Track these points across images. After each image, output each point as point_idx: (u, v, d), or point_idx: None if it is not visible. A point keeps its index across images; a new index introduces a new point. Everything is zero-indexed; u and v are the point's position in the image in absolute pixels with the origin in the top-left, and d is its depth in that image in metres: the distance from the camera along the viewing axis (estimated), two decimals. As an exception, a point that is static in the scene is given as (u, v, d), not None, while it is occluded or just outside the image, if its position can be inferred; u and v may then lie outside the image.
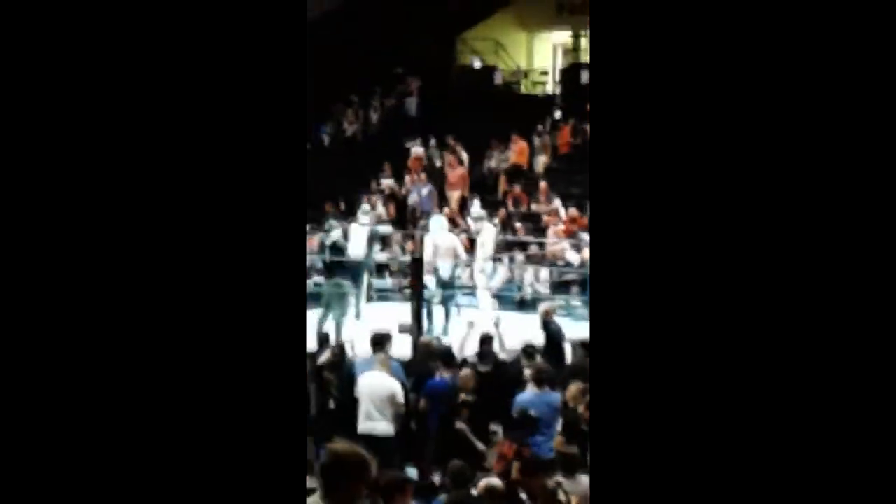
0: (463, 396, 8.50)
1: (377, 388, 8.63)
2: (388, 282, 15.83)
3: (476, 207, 15.50)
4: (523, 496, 6.18)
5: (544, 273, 15.16)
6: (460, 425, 8.16)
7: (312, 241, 13.37)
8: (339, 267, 12.36)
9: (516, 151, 19.11)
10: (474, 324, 10.40)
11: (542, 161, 19.16)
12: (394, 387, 8.65)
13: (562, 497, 5.88)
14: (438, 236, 13.07)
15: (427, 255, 12.73)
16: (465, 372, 8.87)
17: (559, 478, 6.52)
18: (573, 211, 16.41)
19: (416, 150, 18.97)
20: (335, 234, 12.72)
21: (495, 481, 6.04)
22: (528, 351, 9.70)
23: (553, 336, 10.40)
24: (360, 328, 11.66)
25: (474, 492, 6.05)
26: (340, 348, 9.84)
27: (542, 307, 11.09)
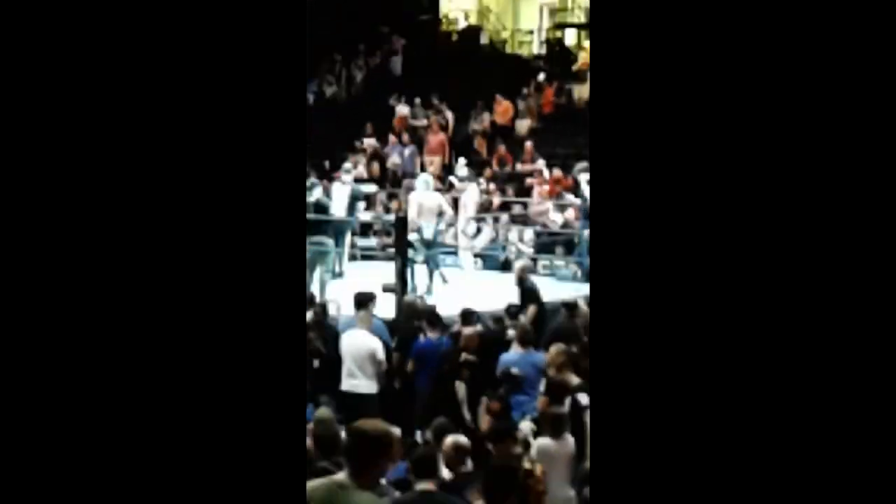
0: (465, 356, 8.47)
1: (359, 346, 8.63)
2: (371, 241, 15.79)
3: (461, 167, 15.44)
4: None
5: (529, 233, 15.16)
6: (460, 387, 8.15)
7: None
8: (321, 226, 12.28)
9: (500, 112, 19.03)
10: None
11: (525, 124, 19.09)
12: (374, 344, 8.65)
13: (526, 464, 5.88)
14: (423, 195, 13.02)
15: (412, 214, 12.68)
16: (469, 331, 8.84)
17: (530, 437, 6.56)
18: (557, 172, 16.37)
19: (401, 108, 18.88)
20: (317, 193, 12.65)
21: (462, 439, 6.05)
22: (512, 311, 9.69)
23: (528, 294, 10.42)
24: (342, 287, 11.64)
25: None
26: (322, 307, 9.80)
27: (518, 265, 11.12)
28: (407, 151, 17.88)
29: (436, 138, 17.95)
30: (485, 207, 15.43)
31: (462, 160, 16.46)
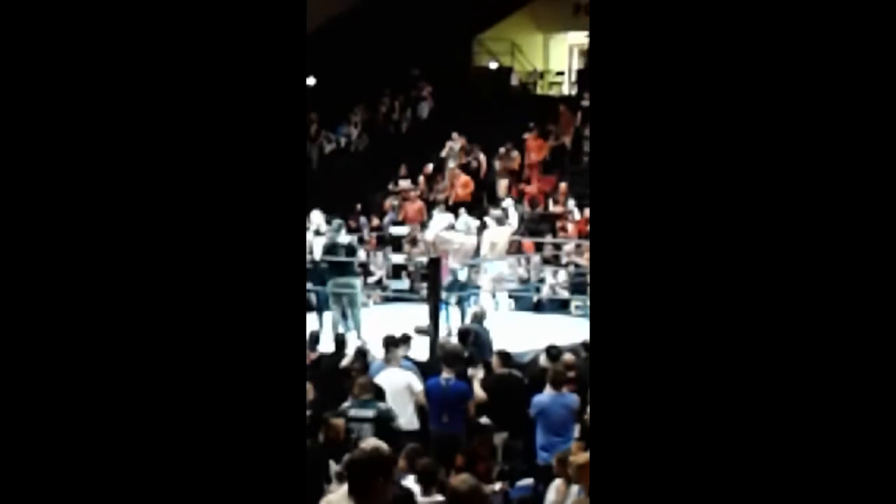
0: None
1: (395, 383, 8.79)
2: (404, 283, 15.80)
3: (506, 205, 15.34)
4: None
5: (562, 274, 15.13)
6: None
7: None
8: (350, 267, 12.21)
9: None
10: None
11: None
12: (408, 379, 8.85)
13: None
14: (461, 237, 13.02)
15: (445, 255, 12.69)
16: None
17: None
18: (588, 212, 16.37)
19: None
20: (344, 234, 12.56)
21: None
22: (552, 352, 9.63)
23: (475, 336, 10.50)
24: (371, 329, 11.72)
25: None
26: (363, 353, 9.87)
27: (472, 310, 11.47)
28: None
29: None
30: (512, 249, 15.39)
31: (510, 200, 16.39)
